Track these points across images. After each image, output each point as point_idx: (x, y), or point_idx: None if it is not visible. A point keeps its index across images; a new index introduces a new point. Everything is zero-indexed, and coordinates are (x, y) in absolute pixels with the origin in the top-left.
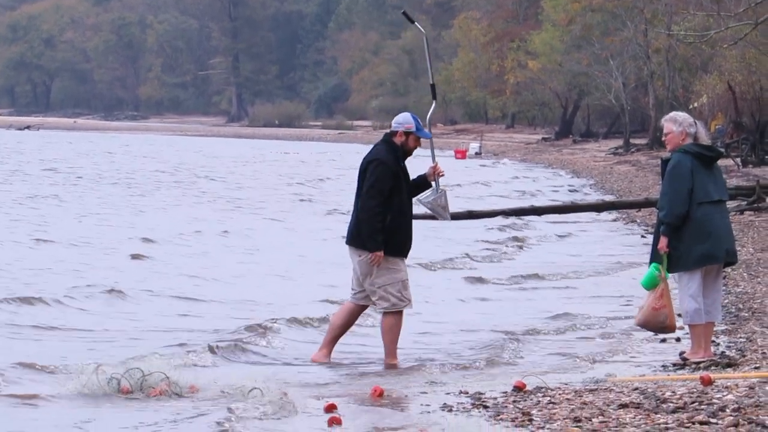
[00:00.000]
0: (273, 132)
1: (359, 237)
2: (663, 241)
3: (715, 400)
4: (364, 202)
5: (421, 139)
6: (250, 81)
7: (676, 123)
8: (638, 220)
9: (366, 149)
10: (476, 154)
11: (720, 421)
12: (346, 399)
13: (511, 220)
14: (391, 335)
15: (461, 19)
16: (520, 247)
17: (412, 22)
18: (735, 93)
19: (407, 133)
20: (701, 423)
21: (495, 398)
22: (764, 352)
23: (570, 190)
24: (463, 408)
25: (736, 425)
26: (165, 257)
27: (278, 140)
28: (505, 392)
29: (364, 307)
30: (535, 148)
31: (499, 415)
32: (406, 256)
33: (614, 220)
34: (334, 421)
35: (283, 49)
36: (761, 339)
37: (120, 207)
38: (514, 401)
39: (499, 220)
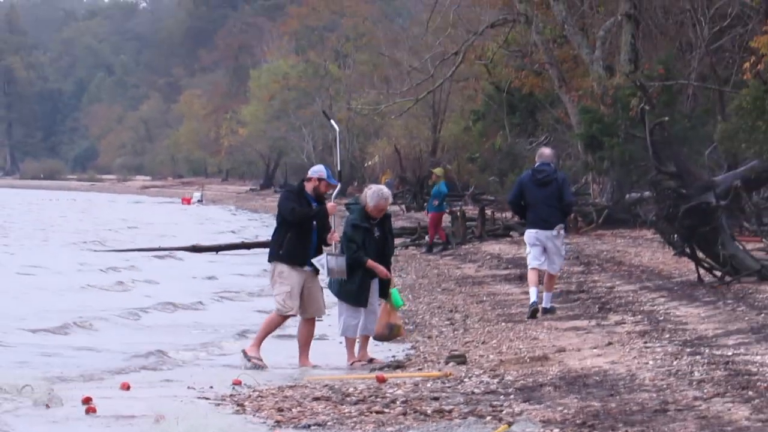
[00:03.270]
0: (39, 183)
1: (274, 254)
2: (385, 271)
3: (388, 394)
4: (289, 219)
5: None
6: (21, 143)
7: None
8: None
9: (113, 197)
10: (198, 201)
11: (392, 411)
12: (101, 390)
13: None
14: (266, 328)
15: (186, 96)
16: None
17: (329, 119)
18: (400, 154)
19: (320, 179)
20: (377, 412)
21: (216, 392)
22: (425, 357)
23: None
24: (189, 400)
25: (404, 414)
26: None
27: (44, 189)
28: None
29: (312, 319)
30: (245, 196)
31: (219, 405)
32: (301, 266)
33: None
34: (90, 411)
35: (46, 117)
36: (423, 347)
37: None
38: (231, 395)
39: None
